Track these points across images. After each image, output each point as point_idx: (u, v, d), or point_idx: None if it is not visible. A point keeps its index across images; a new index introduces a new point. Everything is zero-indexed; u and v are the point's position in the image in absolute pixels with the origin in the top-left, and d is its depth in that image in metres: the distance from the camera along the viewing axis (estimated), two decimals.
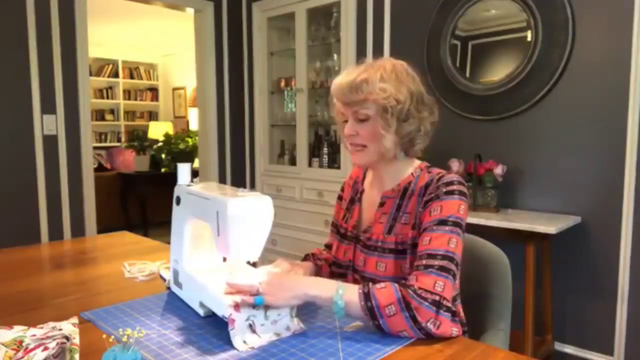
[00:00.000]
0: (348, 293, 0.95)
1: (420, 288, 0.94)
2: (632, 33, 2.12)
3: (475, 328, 1.19)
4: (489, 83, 2.54)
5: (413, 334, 0.92)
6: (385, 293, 0.93)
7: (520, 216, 2.28)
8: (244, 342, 0.91)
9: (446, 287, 0.95)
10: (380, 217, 1.14)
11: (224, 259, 1.06)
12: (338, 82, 1.11)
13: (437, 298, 0.93)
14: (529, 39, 2.38)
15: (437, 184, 1.06)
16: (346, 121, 1.14)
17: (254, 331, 0.93)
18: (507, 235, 2.14)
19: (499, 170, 2.38)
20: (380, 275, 1.10)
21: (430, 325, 0.91)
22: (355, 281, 1.16)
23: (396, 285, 0.95)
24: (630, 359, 2.21)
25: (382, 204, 1.15)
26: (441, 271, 0.96)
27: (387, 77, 1.07)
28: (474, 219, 2.23)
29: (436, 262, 0.97)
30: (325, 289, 0.97)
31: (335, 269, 1.24)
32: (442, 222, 1.01)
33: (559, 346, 2.42)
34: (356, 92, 1.07)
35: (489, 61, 2.57)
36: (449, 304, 0.94)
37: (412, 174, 1.14)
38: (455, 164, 2.47)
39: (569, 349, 2.39)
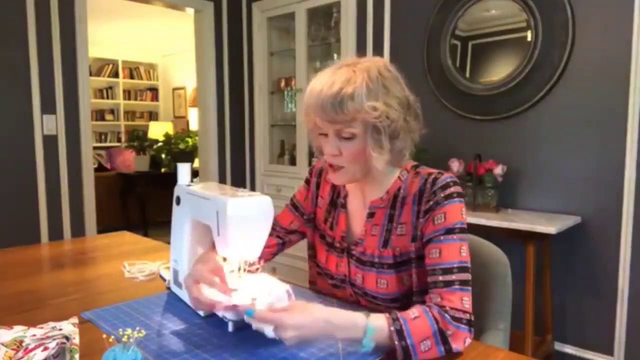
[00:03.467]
0: (379, 334, 0.84)
1: (452, 308, 0.89)
2: (632, 33, 2.12)
3: (475, 328, 1.18)
4: (489, 83, 2.54)
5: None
6: (421, 327, 0.85)
7: (520, 216, 2.28)
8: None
9: (470, 301, 0.92)
10: (371, 229, 1.06)
11: (224, 259, 1.06)
12: (316, 93, 0.95)
13: (468, 317, 0.90)
14: (529, 39, 2.38)
15: (432, 189, 0.99)
16: (324, 134, 1.01)
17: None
18: (507, 235, 2.14)
19: (499, 170, 2.38)
20: (382, 292, 1.04)
21: (463, 346, 0.88)
22: (355, 294, 1.10)
23: (429, 313, 0.87)
24: (630, 359, 2.21)
25: (371, 215, 1.07)
26: (463, 285, 0.92)
27: (374, 87, 0.93)
28: (474, 219, 2.23)
29: (454, 277, 0.92)
30: (350, 330, 0.83)
31: (329, 280, 1.15)
32: (450, 231, 0.95)
33: (559, 346, 2.42)
34: (341, 110, 0.92)
35: (489, 61, 2.57)
36: (473, 318, 0.91)
37: (399, 177, 1.06)
38: (455, 164, 2.47)
39: (569, 349, 2.39)
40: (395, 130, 0.97)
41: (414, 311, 0.89)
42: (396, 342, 0.83)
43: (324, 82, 0.95)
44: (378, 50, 3.02)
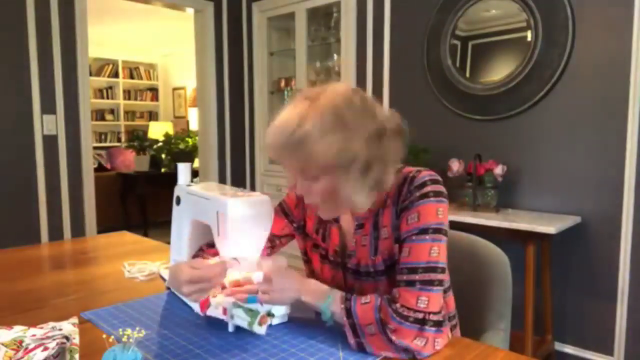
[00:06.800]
0: (335, 304, 0.94)
1: (402, 306, 0.89)
2: (632, 33, 2.12)
3: (475, 328, 1.19)
4: (489, 83, 2.54)
5: (397, 355, 0.88)
6: (367, 311, 0.90)
7: (520, 216, 2.28)
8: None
9: (431, 301, 0.89)
10: (361, 240, 1.04)
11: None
12: (272, 135, 0.91)
13: (421, 316, 0.88)
14: (529, 39, 2.38)
15: (409, 188, 0.96)
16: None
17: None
18: (507, 235, 2.14)
19: (499, 170, 2.38)
20: None
21: (416, 343, 0.87)
22: None
23: (378, 302, 0.91)
24: (630, 359, 2.21)
25: (360, 226, 1.04)
26: (424, 285, 0.90)
27: (332, 126, 0.87)
28: (474, 219, 2.23)
29: (417, 277, 0.91)
30: (317, 295, 0.96)
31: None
32: (423, 231, 0.93)
33: (559, 346, 2.42)
34: (295, 153, 0.88)
35: (489, 61, 2.57)
36: (437, 318, 0.90)
37: None
38: (455, 164, 2.47)
39: (569, 349, 2.39)
40: (366, 164, 0.92)
41: (367, 297, 0.93)
42: (345, 319, 0.91)
43: (281, 120, 0.91)
44: (378, 50, 3.02)
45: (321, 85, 0.95)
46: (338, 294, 0.96)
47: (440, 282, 0.92)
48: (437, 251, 0.93)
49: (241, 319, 0.93)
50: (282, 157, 0.92)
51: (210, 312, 0.94)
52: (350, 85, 0.99)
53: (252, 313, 0.93)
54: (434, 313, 0.90)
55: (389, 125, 0.94)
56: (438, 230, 0.94)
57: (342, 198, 0.94)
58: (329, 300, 0.94)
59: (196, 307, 0.93)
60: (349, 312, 0.92)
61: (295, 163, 0.92)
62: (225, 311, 0.94)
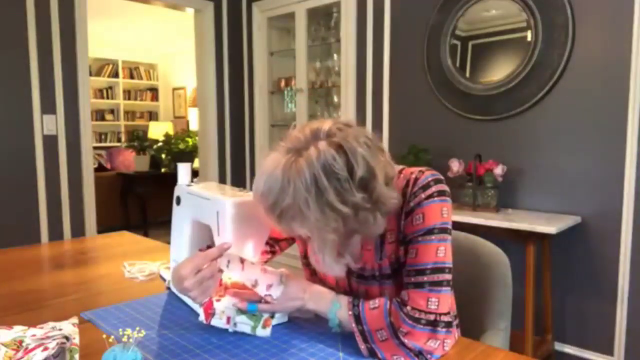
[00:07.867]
0: (342, 311, 0.93)
1: (413, 308, 0.89)
2: (632, 33, 2.12)
3: (475, 328, 1.19)
4: (489, 83, 2.54)
5: (409, 359, 0.87)
6: (376, 317, 0.90)
7: (520, 216, 2.28)
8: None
9: (441, 302, 0.90)
10: (367, 245, 1.03)
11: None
12: (257, 198, 0.89)
13: (432, 317, 0.88)
14: (529, 39, 2.38)
15: (413, 190, 0.95)
16: None
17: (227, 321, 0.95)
18: (507, 235, 2.14)
19: (499, 170, 2.38)
20: None
21: (429, 345, 0.87)
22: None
23: (387, 306, 0.91)
24: (630, 359, 2.21)
25: None
26: (433, 286, 0.90)
27: (308, 206, 0.84)
28: (474, 219, 2.23)
29: (425, 278, 0.90)
30: (322, 303, 0.96)
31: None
32: (429, 232, 0.93)
33: (559, 346, 2.42)
34: (278, 223, 0.89)
35: (489, 61, 2.57)
36: (447, 318, 0.90)
37: None
38: (455, 164, 2.47)
39: (569, 349, 2.39)
40: (346, 233, 0.91)
41: (375, 301, 0.92)
42: (353, 325, 0.90)
43: (264, 179, 0.87)
44: (378, 51, 3.02)
45: (306, 126, 0.92)
46: (344, 300, 0.94)
47: (449, 282, 0.92)
48: (443, 251, 0.92)
49: (245, 324, 0.93)
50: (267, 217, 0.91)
51: (215, 322, 0.94)
52: (336, 134, 0.86)
53: (255, 317, 0.93)
54: (444, 314, 0.90)
55: (377, 175, 0.88)
56: (443, 230, 0.93)
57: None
58: (335, 308, 0.93)
59: (201, 315, 0.94)
60: (357, 319, 0.91)
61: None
62: (229, 320, 0.94)
